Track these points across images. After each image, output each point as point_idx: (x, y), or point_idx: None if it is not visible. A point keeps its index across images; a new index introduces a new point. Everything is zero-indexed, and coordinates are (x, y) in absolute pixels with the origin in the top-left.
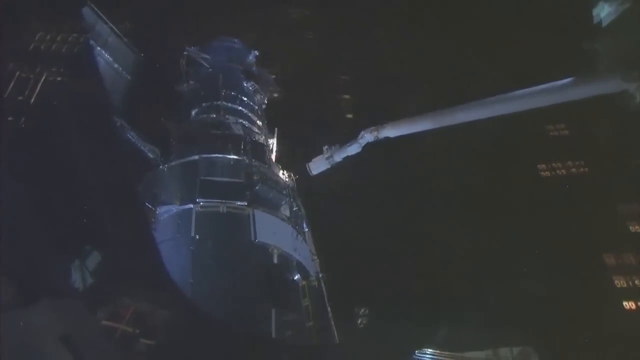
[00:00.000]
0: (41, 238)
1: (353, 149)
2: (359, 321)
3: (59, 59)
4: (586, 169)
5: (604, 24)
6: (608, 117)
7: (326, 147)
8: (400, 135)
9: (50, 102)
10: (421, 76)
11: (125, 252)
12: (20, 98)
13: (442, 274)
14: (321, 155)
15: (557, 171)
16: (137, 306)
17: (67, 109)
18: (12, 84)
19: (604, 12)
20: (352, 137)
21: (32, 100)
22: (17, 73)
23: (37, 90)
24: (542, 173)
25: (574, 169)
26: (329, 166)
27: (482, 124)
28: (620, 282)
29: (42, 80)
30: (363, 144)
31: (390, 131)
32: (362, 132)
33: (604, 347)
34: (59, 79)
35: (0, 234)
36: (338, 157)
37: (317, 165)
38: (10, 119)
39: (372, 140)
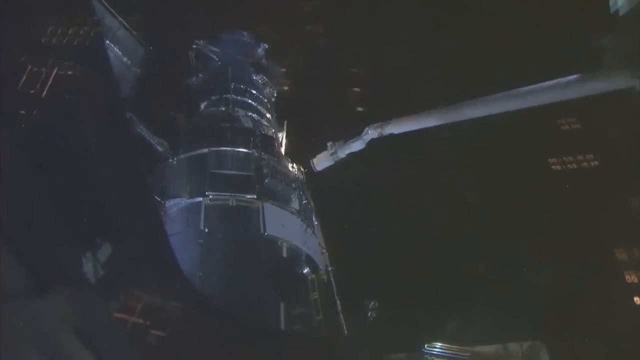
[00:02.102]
0: (53, 230)
1: (357, 145)
2: (368, 315)
3: (70, 53)
4: (597, 163)
5: (621, 13)
6: (619, 111)
7: (330, 143)
8: (405, 132)
9: (62, 96)
10: (430, 70)
11: (136, 245)
12: (32, 91)
13: (452, 267)
14: (325, 152)
15: (569, 165)
16: (148, 299)
17: (78, 103)
18: (24, 77)
19: (620, 2)
20: (362, 130)
21: (44, 94)
22: (29, 67)
23: (48, 84)
24: (554, 167)
25: (585, 163)
26: (333, 162)
27: (493, 117)
28: (631, 278)
29: (53, 74)
30: (367, 140)
31: (395, 128)
32: (367, 129)
33: (614, 343)
34: (70, 72)
35: (13, 226)
36: (342, 153)
37: (321, 162)
38: (22, 112)
39: (377, 136)
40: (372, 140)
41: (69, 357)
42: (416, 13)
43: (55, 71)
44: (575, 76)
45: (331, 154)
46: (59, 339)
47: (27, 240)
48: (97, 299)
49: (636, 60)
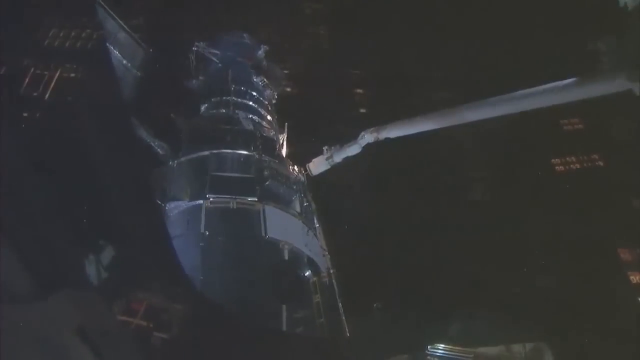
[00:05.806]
0: (56, 232)
1: (353, 150)
2: (371, 316)
3: (72, 56)
4: (600, 163)
5: (630, 8)
6: (623, 111)
7: (326, 147)
8: (402, 136)
9: (64, 98)
10: (430, 73)
11: (138, 248)
12: (35, 94)
13: (454, 269)
14: (321, 156)
15: (572, 166)
16: (150, 301)
17: (80, 105)
18: (27, 80)
19: None
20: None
21: (47, 96)
22: (32, 69)
23: (51, 86)
24: (557, 168)
25: (588, 164)
26: (329, 167)
27: (495, 119)
28: (635, 278)
29: (55, 76)
30: (363, 145)
31: (391, 132)
32: (363, 133)
33: (618, 344)
34: (72, 75)
35: (16, 228)
36: (338, 158)
37: (318, 166)
38: (25, 114)
39: (372, 141)
40: (369, 144)
41: (72, 359)
42: (418, 15)
43: (57, 74)
44: (571, 79)
45: (327, 159)
46: (62, 341)
47: (29, 242)
48: (100, 301)
49: (633, 63)
